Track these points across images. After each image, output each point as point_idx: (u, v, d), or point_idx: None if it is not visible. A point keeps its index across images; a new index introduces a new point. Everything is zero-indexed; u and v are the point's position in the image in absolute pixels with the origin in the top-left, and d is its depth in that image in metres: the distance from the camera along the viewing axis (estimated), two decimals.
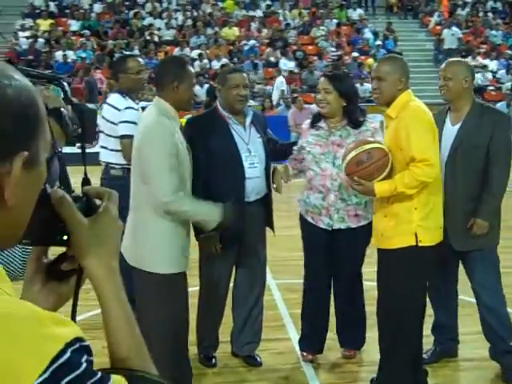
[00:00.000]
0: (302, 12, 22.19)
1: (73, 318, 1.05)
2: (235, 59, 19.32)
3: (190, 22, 21.51)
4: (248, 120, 4.05)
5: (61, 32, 20.46)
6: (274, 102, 16.38)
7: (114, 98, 4.86)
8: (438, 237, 3.65)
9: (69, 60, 18.94)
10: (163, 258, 3.42)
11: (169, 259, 3.43)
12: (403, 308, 3.58)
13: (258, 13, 22.21)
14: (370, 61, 19.21)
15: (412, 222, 3.51)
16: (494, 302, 4.03)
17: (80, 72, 17.99)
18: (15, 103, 0.90)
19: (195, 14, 21.96)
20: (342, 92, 3.98)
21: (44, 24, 21.07)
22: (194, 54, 19.26)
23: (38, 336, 0.83)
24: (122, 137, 4.82)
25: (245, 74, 4.05)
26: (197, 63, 18.68)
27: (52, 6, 22.37)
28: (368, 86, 17.76)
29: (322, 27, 21.08)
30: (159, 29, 21.07)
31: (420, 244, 3.51)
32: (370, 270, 4.07)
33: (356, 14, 22.38)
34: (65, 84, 2.70)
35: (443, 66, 4.05)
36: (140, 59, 4.97)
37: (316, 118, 4.15)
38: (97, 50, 19.57)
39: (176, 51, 19.60)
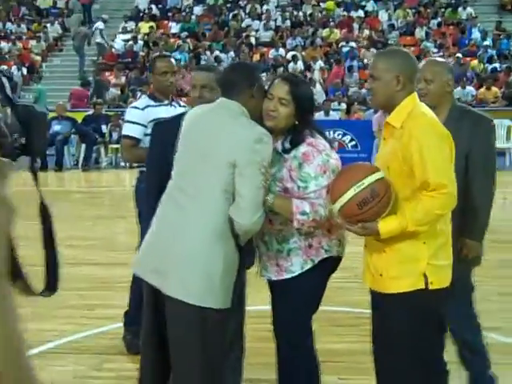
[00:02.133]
0: (407, 12, 21.15)
1: None
2: (332, 61, 18.69)
3: (288, 23, 21.07)
4: None
5: (159, 34, 20.63)
6: None
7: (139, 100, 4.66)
8: (450, 276, 2.91)
9: None
10: (222, 289, 2.81)
11: (227, 290, 2.84)
12: (411, 370, 2.83)
13: (360, 13, 21.39)
14: (475, 62, 17.98)
15: (420, 260, 2.78)
16: (471, 335, 3.56)
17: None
18: None
19: (295, 14, 21.48)
20: (299, 109, 3.04)
21: (145, 27, 21.36)
22: (290, 55, 18.79)
23: None
24: (123, 136, 4.51)
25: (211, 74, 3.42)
26: (291, 65, 18.21)
27: (154, 9, 22.66)
28: (470, 89, 16.65)
29: (425, 27, 19.99)
30: (257, 30, 20.79)
31: (431, 287, 2.78)
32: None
33: (465, 12, 21.04)
34: (3, 79, 2.25)
35: (422, 66, 3.42)
36: (172, 60, 4.56)
37: None
38: (192, 52, 19.54)
39: (271, 52, 19.24)
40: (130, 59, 19.79)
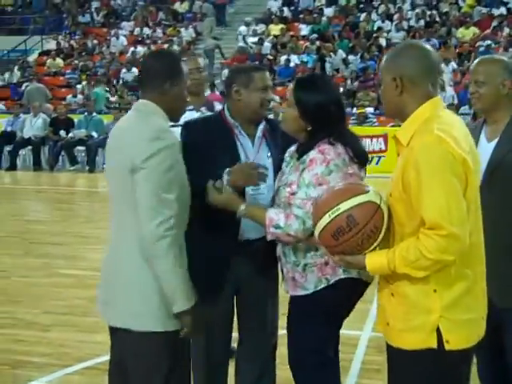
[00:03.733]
0: None
1: None
2: (466, 62, 17.63)
3: (422, 22, 20.16)
4: (259, 132, 3.16)
5: (288, 36, 20.49)
6: None
7: None
8: (478, 333, 2.34)
9: (291, 64, 18.85)
10: (163, 310, 2.53)
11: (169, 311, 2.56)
12: None
13: (502, 10, 20.04)
14: None
15: (431, 312, 2.24)
16: None
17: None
18: None
19: (429, 13, 20.51)
20: (302, 113, 2.83)
21: (275, 29, 21.30)
22: None
23: None
24: None
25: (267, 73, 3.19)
26: None
27: (286, 11, 22.56)
28: None
29: None
30: (389, 31, 20.07)
31: (447, 347, 2.24)
32: None
33: None
34: None
35: (473, 66, 2.99)
36: (199, 59, 4.49)
37: None
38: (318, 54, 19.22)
39: None
40: (258, 62, 19.79)
